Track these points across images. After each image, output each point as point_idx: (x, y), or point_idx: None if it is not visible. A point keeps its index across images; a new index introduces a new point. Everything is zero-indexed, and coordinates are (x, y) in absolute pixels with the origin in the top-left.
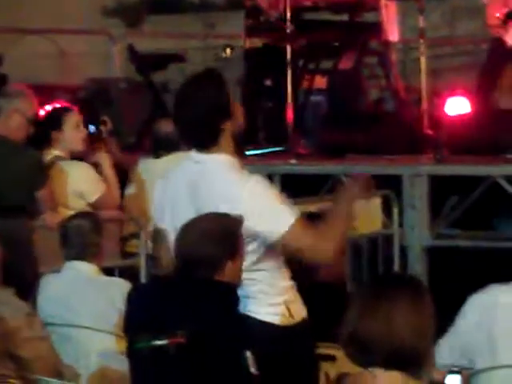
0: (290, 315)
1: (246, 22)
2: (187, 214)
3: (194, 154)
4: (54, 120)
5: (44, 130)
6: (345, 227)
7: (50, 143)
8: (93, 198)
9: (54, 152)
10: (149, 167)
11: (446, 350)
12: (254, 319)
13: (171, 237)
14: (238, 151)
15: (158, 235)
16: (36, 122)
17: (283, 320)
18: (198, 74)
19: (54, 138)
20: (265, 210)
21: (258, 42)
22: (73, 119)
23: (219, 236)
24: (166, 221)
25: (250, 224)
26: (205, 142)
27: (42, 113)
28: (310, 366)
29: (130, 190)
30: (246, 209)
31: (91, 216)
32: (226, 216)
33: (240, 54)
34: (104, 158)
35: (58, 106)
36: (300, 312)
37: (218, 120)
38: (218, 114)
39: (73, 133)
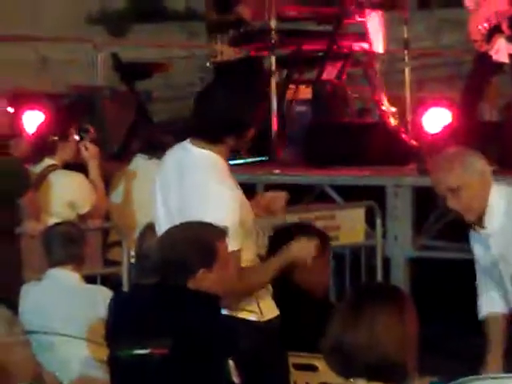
0: (260, 312)
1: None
2: (173, 202)
3: (186, 143)
4: (64, 130)
5: (50, 139)
6: (266, 281)
7: (52, 152)
8: (84, 210)
9: (49, 161)
10: (137, 168)
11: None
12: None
13: (162, 225)
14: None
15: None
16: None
17: (253, 316)
18: (251, 73)
19: (58, 147)
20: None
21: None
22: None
23: (193, 243)
24: (158, 207)
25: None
26: (202, 139)
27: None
28: (275, 365)
29: (116, 197)
30: (198, 213)
31: (74, 224)
32: (207, 225)
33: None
34: (94, 167)
35: (61, 115)
36: (270, 310)
37: (224, 133)
38: (228, 130)
39: (74, 142)
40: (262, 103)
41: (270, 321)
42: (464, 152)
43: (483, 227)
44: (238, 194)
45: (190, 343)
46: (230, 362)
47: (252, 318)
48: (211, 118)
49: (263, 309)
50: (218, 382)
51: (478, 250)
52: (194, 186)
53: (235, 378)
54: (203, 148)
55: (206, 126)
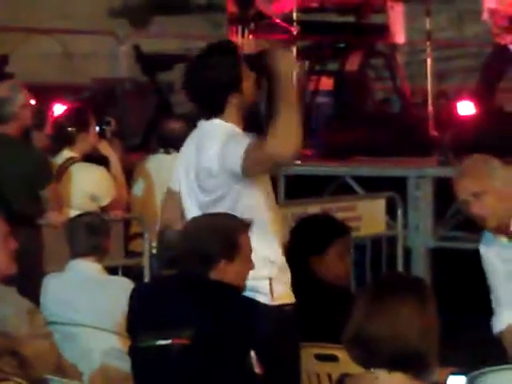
0: (271, 295)
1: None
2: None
3: (201, 122)
4: (83, 121)
5: (69, 131)
6: (295, 111)
7: (71, 144)
8: (105, 202)
9: (68, 154)
10: (158, 163)
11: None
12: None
13: (186, 200)
14: (245, 125)
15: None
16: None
17: (262, 297)
18: (214, 44)
19: (78, 138)
20: (229, 149)
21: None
22: (94, 121)
23: (214, 233)
24: (182, 185)
25: (222, 164)
26: (210, 110)
27: (59, 112)
28: (283, 354)
29: (137, 189)
30: (219, 154)
31: (98, 215)
32: (230, 216)
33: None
34: (115, 159)
35: (79, 106)
36: (283, 296)
37: (224, 92)
38: (225, 87)
39: (94, 134)
40: (241, 61)
41: (280, 306)
42: (487, 158)
43: (509, 235)
44: None
45: (210, 334)
46: (252, 353)
47: (260, 298)
48: (199, 89)
49: (275, 292)
50: (239, 373)
51: (496, 259)
52: (210, 155)
53: (257, 369)
54: (214, 119)
55: (201, 99)
